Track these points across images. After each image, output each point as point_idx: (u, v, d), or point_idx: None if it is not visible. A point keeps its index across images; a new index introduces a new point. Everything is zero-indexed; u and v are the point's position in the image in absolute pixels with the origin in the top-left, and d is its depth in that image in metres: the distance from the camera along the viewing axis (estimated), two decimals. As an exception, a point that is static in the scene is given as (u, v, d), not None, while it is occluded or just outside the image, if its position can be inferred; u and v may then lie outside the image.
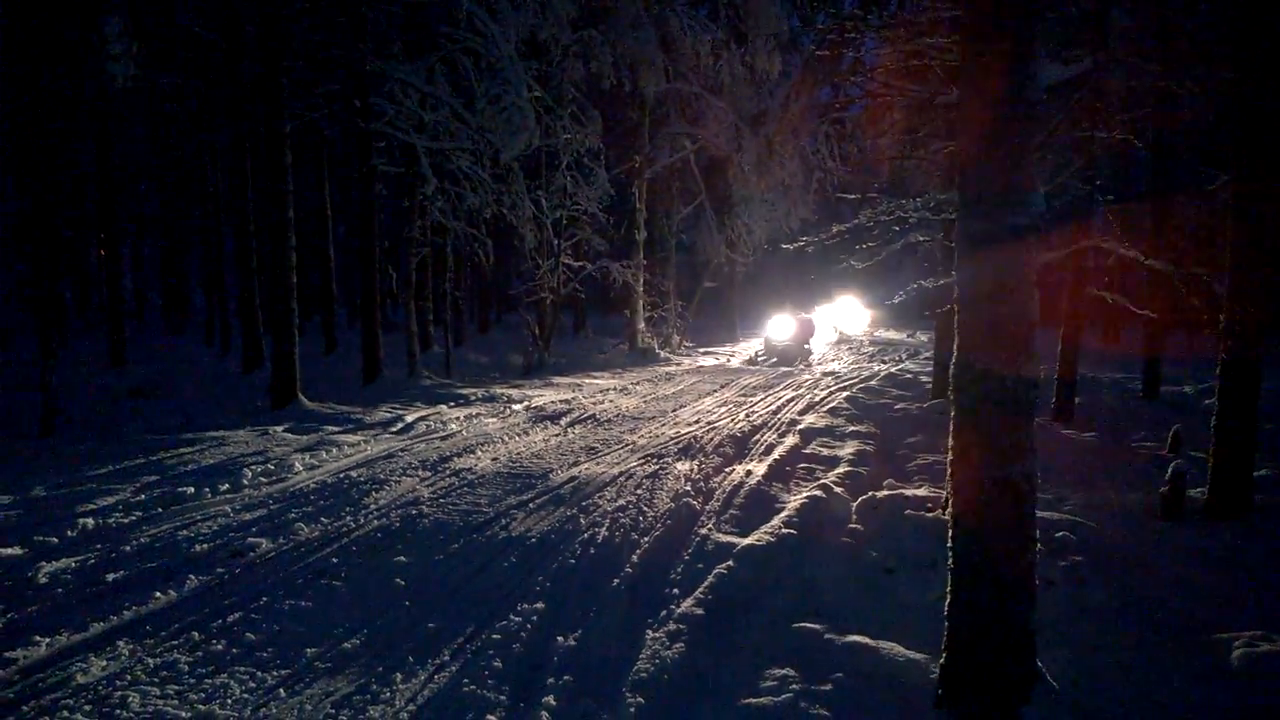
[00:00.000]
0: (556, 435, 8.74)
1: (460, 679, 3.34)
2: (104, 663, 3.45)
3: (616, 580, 4.43)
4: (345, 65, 12.28)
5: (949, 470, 3.24)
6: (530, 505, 5.95)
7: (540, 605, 4.10)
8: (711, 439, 8.52)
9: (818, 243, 7.81)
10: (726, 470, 7.15)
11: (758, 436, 8.77)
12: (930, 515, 5.56)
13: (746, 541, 5.02)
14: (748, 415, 10.30)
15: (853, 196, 9.20)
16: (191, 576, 4.44)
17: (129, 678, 3.32)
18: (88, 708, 3.10)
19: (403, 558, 4.79)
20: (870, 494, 6.29)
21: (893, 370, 16.30)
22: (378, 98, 11.87)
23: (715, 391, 12.59)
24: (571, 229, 16.85)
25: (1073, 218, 7.45)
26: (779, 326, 18.33)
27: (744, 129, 18.80)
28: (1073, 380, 9.72)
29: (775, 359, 17.87)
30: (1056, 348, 9.65)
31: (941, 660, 3.26)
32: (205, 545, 4.92)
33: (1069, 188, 7.50)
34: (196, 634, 3.74)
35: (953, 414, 3.18)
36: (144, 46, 7.55)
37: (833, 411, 10.57)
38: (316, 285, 22.94)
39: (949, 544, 3.19)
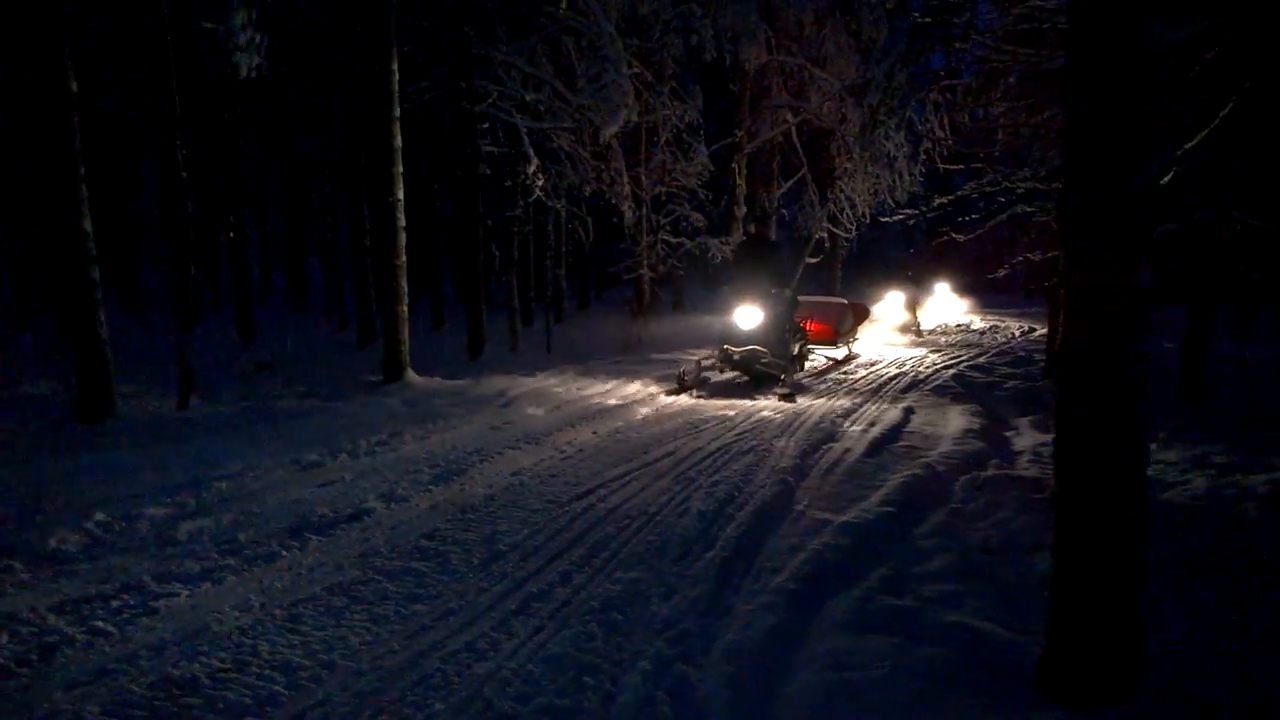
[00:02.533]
0: (654, 410, 8.84)
1: (562, 640, 3.48)
2: (236, 614, 3.75)
3: (711, 552, 4.49)
4: (452, 49, 12.61)
5: (1055, 449, 3.16)
6: (628, 478, 6.07)
7: (635, 574, 4.21)
8: (809, 416, 8.45)
9: (920, 215, 7.61)
10: (825, 447, 7.10)
11: (857, 414, 8.65)
12: (1037, 496, 5.39)
13: (843, 518, 5.00)
14: (848, 392, 10.16)
15: (959, 167, 8.91)
16: (313, 537, 4.75)
17: (259, 628, 3.60)
18: (223, 654, 3.38)
19: (505, 525, 4.99)
20: (974, 473, 6.14)
21: (1004, 347, 15.72)
22: (483, 80, 12.15)
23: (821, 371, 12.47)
24: (670, 205, 16.85)
25: (1198, 187, 6.99)
26: (748, 314, 10.38)
27: (848, 100, 18.31)
28: (1202, 358, 9.16)
29: (730, 369, 10.68)
30: (1181, 325, 9.11)
31: (1044, 643, 3.19)
32: (326, 509, 5.24)
33: (1192, 155, 7.04)
34: (318, 589, 4.01)
35: (1059, 390, 3.09)
36: (269, 36, 7.99)
37: (938, 389, 10.31)
38: (426, 264, 23.76)
39: (1055, 525, 3.11)
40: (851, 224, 20.90)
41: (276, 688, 3.12)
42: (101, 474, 6.05)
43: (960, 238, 7.56)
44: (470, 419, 8.37)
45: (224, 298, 26.35)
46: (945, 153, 15.87)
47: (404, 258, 10.87)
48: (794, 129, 19.45)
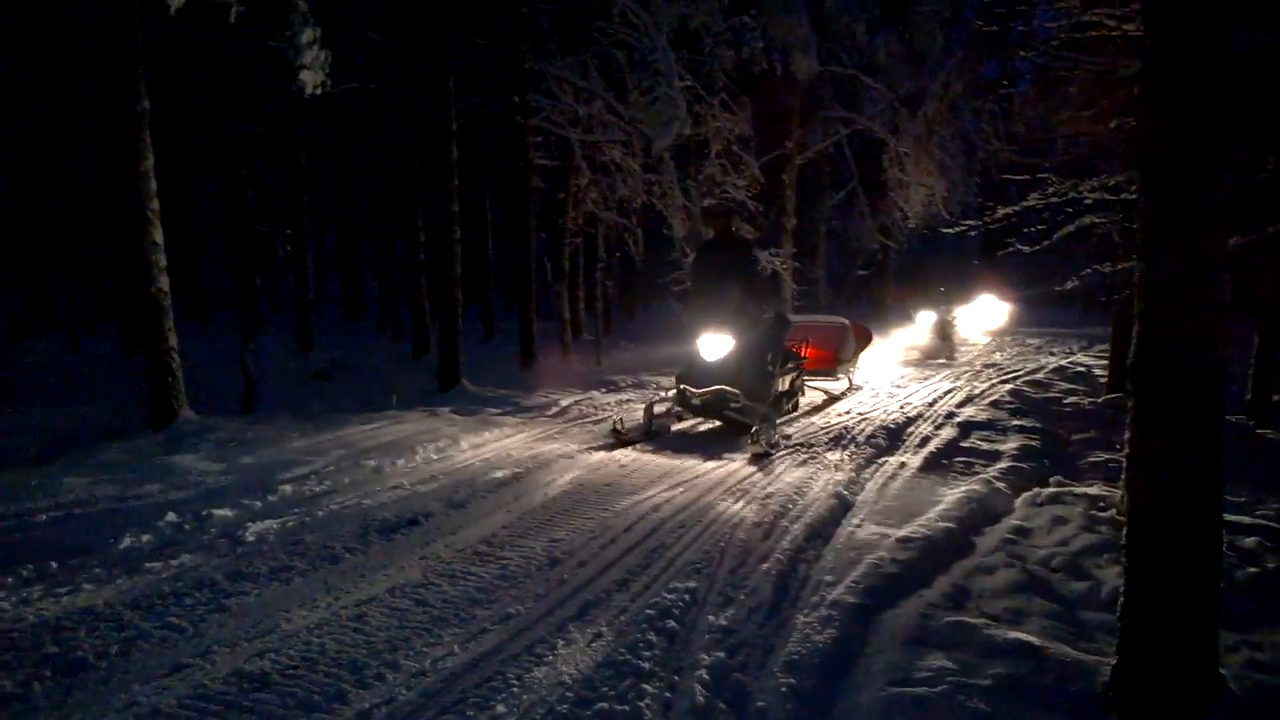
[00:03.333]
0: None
1: (617, 649, 3.49)
2: (304, 612, 3.84)
3: (766, 564, 4.47)
4: (506, 65, 12.83)
5: (1125, 465, 3.09)
6: (681, 488, 6.08)
7: (692, 584, 4.21)
8: (863, 430, 8.37)
9: (979, 226, 7.51)
10: (879, 461, 7.02)
11: (911, 428, 8.54)
12: (1103, 514, 5.27)
13: (901, 533, 4.94)
14: (901, 406, 10.04)
15: (1019, 178, 8.71)
16: (376, 539, 4.85)
17: (326, 628, 3.69)
18: (292, 651, 3.47)
19: (561, 532, 5.03)
20: (1035, 490, 6.03)
21: (1062, 363, 15.38)
22: (535, 94, 12.33)
23: (868, 382, 12.33)
24: (721, 214, 16.87)
25: (1272, 197, 6.78)
26: (714, 343, 7.94)
27: (901, 110, 18.17)
28: (1272, 375, 8.86)
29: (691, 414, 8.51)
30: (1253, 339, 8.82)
31: (1113, 664, 3.12)
32: (387, 514, 5.34)
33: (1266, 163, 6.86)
34: (381, 591, 4.09)
35: (1130, 405, 3.02)
36: (331, 55, 8.23)
37: (994, 404, 10.13)
38: (476, 275, 24.11)
39: (1123, 543, 3.04)
40: (903, 236, 20.68)
41: (344, 685, 3.19)
42: (171, 477, 6.24)
43: (1026, 249, 7.43)
44: (524, 428, 8.46)
45: (282, 308, 27.03)
46: (1002, 163, 15.64)
47: (459, 270, 11.05)
48: (845, 140, 19.35)
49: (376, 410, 9.41)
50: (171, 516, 5.15)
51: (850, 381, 11.55)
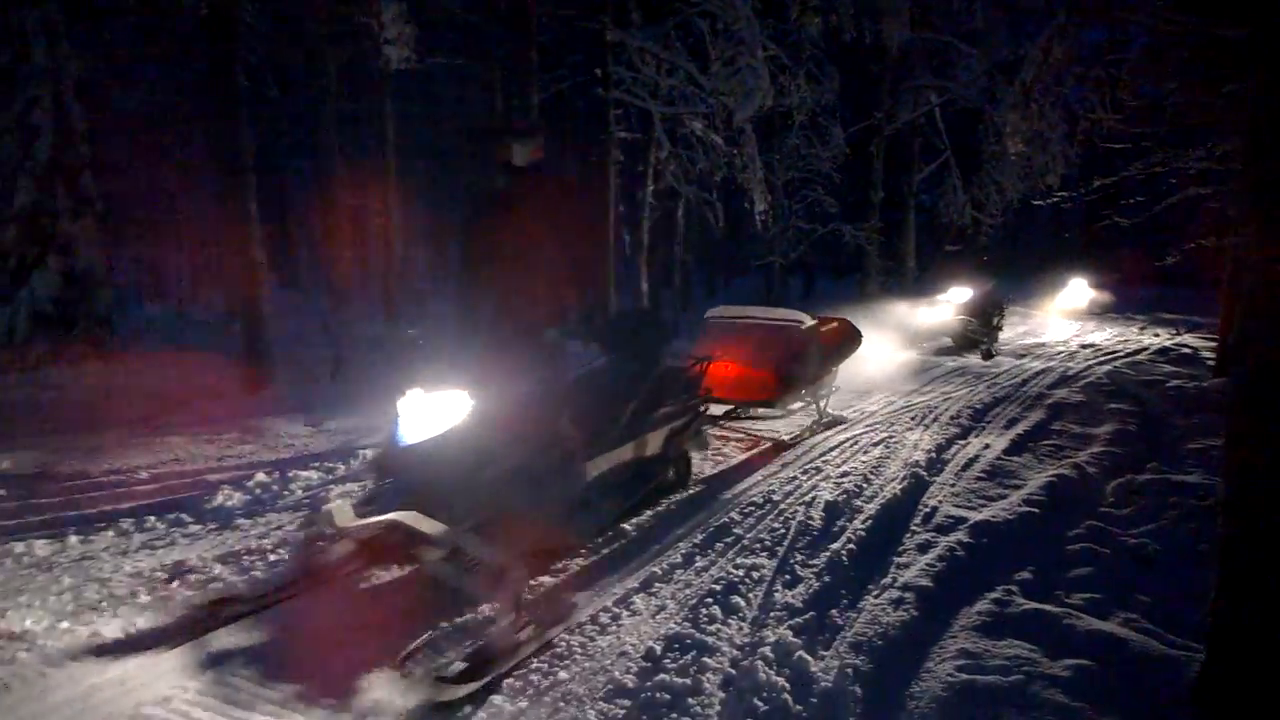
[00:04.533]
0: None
1: (683, 620, 3.50)
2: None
3: (837, 543, 4.40)
4: (588, 37, 12.80)
5: (1225, 452, 2.90)
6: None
7: (760, 560, 4.18)
8: (947, 410, 8.13)
9: (1078, 196, 7.14)
10: (961, 442, 6.81)
11: (998, 409, 8.25)
12: (1200, 503, 4.99)
13: (981, 516, 4.79)
14: (989, 386, 9.71)
15: (1122, 146, 8.14)
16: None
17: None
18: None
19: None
20: (1129, 476, 5.75)
21: (1166, 344, 14.60)
22: (617, 66, 12.27)
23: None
24: (803, 190, 16.53)
25: None
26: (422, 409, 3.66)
27: (998, 78, 17.40)
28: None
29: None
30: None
31: (1202, 660, 2.95)
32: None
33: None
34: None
35: (1230, 389, 2.83)
36: (418, 30, 8.37)
37: (1089, 387, 9.69)
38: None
39: (1221, 534, 2.87)
40: (998, 210, 19.90)
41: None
42: (262, 439, 6.53)
43: (1125, 222, 7.02)
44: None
45: (370, 279, 27.82)
46: (1105, 133, 14.85)
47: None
48: (937, 110, 18.66)
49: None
50: (261, 476, 5.39)
51: (821, 413, 7.52)
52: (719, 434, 7.00)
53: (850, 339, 8.08)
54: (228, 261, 13.60)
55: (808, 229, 16.93)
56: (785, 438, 6.92)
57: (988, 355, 12.27)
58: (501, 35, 14.32)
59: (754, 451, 6.58)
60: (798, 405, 7.54)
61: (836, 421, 7.56)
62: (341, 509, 3.44)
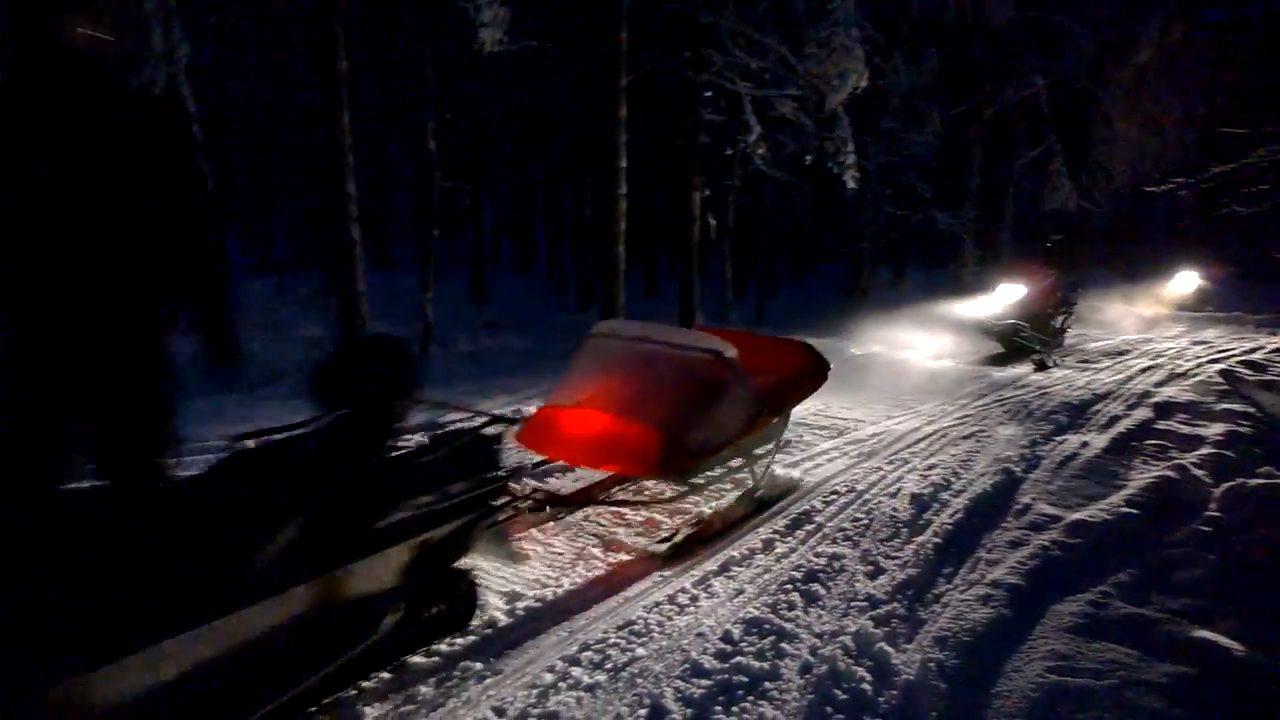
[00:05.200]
0: (864, 389, 8.55)
1: (761, 605, 3.48)
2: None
3: (922, 536, 4.28)
4: (678, 18, 12.69)
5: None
6: (834, 454, 5.92)
7: (843, 549, 4.11)
8: (1041, 406, 7.82)
9: (1193, 184, 6.73)
10: (1058, 439, 6.54)
11: (1099, 406, 7.89)
12: (1321, 511, 4.67)
13: (1076, 516, 4.59)
14: (1087, 383, 9.29)
15: (1239, 132, 7.51)
16: (528, 481, 5.05)
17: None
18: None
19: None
20: (1239, 481, 5.42)
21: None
22: (708, 48, 12.14)
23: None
24: (896, 175, 16.07)
25: None
26: None
27: (1108, 59, 16.54)
28: None
29: None
30: None
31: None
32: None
33: None
34: (534, 529, 4.25)
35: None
36: (510, 12, 8.48)
37: (1199, 385, 9.17)
38: (639, 232, 24.34)
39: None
40: (1106, 199, 18.98)
41: (496, 613, 3.35)
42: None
43: (1244, 210, 6.58)
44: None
45: (458, 261, 28.46)
46: (1225, 117, 14.00)
47: (624, 225, 11.16)
48: (1043, 92, 17.86)
49: (540, 359, 9.75)
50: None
51: (758, 482, 4.88)
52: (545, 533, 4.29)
53: (807, 374, 5.17)
54: (326, 240, 14.09)
55: (899, 215, 16.46)
56: (659, 545, 4.11)
57: (1042, 366, 10.10)
58: (591, 17, 14.35)
59: (597, 571, 3.87)
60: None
61: (785, 491, 4.98)
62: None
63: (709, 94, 12.31)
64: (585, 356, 4.80)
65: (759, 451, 5.01)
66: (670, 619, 3.37)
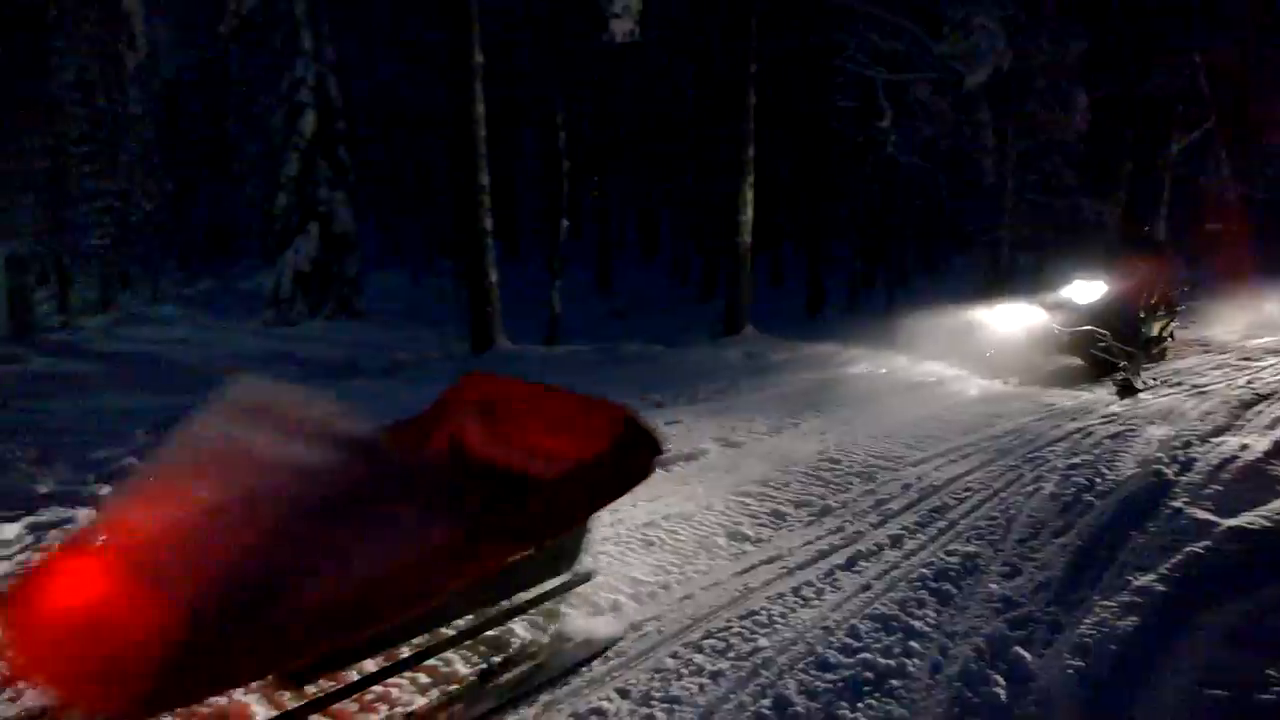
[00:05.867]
0: (997, 384, 8.19)
1: (889, 602, 3.44)
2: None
3: (1062, 539, 4.10)
4: (809, 3, 12.49)
5: None
6: (968, 451, 5.72)
7: (972, 548, 3.99)
8: (1194, 405, 7.29)
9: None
10: (1213, 440, 6.07)
11: (1260, 406, 7.28)
12: None
13: (1232, 522, 4.26)
14: (1249, 381, 8.58)
15: None
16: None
17: (611, 542, 3.98)
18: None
19: (834, 480, 4.98)
20: None
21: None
22: (840, 34, 11.89)
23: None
24: (1039, 161, 15.24)
25: None
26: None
27: (1272, 34, 15.13)
28: None
29: None
30: None
31: None
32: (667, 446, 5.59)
33: None
34: (659, 517, 4.34)
35: None
36: (641, 2, 8.58)
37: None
38: (765, 220, 24.07)
39: None
40: (1268, 184, 17.43)
41: (620, 596, 3.44)
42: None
43: None
44: (805, 376, 8.40)
45: (585, 250, 28.96)
46: None
47: (750, 215, 11.10)
48: (1201, 70, 16.51)
49: (663, 349, 9.83)
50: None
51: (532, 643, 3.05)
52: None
53: (615, 463, 2.95)
54: (459, 232, 14.70)
55: (1041, 202, 15.61)
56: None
57: (1128, 390, 7.60)
58: (721, 4, 14.28)
59: None
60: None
61: (586, 654, 3.01)
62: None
63: (841, 79, 12.05)
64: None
65: (531, 595, 2.93)
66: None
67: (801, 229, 21.78)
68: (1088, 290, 8.46)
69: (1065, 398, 7.55)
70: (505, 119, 23.88)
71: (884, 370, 8.72)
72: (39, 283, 14.37)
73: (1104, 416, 6.78)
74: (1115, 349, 8.00)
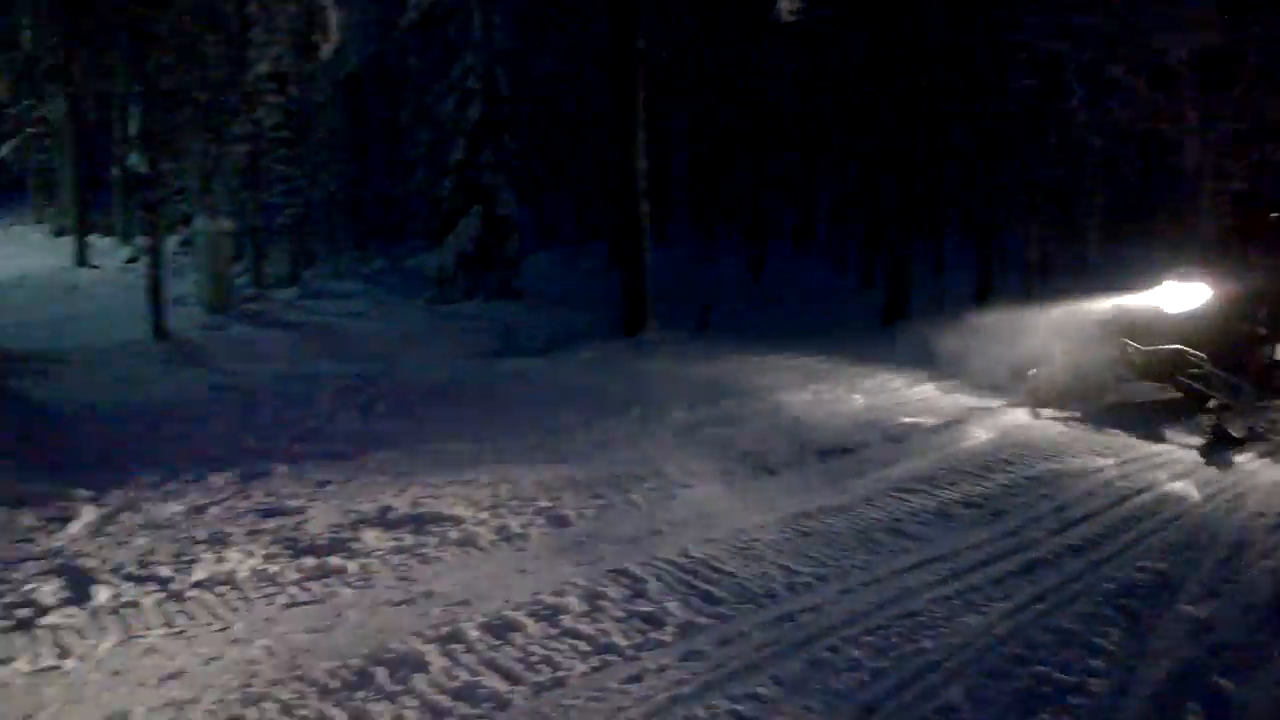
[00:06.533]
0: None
1: (1069, 615, 3.20)
2: (741, 511, 4.14)
3: (1269, 560, 3.69)
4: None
5: None
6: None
7: (1163, 565, 3.65)
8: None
9: None
10: None
11: None
12: None
13: None
14: None
15: None
16: (813, 459, 5.11)
17: (761, 531, 3.92)
18: (727, 545, 3.74)
19: (1006, 482, 4.71)
20: None
21: None
22: (1026, 14, 11.13)
23: None
24: (1249, 144, 13.76)
25: None
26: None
27: None
28: None
29: None
30: None
31: None
32: (827, 435, 5.50)
33: None
34: (813, 508, 4.22)
35: None
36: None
37: None
38: (928, 207, 23.01)
39: None
40: None
41: (774, 584, 3.36)
42: (638, 379, 7.11)
43: None
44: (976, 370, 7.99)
45: (735, 235, 28.66)
46: None
47: (914, 201, 10.64)
48: None
49: (821, 338, 9.59)
50: (637, 411, 5.87)
51: None
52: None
53: None
54: (613, 216, 14.89)
55: (1249, 192, 14.11)
56: None
57: (1223, 439, 5.42)
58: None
59: None
60: None
61: None
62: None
63: (1024, 55, 11.30)
64: None
65: None
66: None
67: (970, 216, 20.70)
68: (1182, 294, 6.12)
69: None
70: (657, 104, 23.95)
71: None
72: (235, 258, 15.70)
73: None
74: (1214, 378, 5.62)
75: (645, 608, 3.11)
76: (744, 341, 9.27)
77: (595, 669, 2.70)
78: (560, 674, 2.66)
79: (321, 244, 18.63)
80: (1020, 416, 6.18)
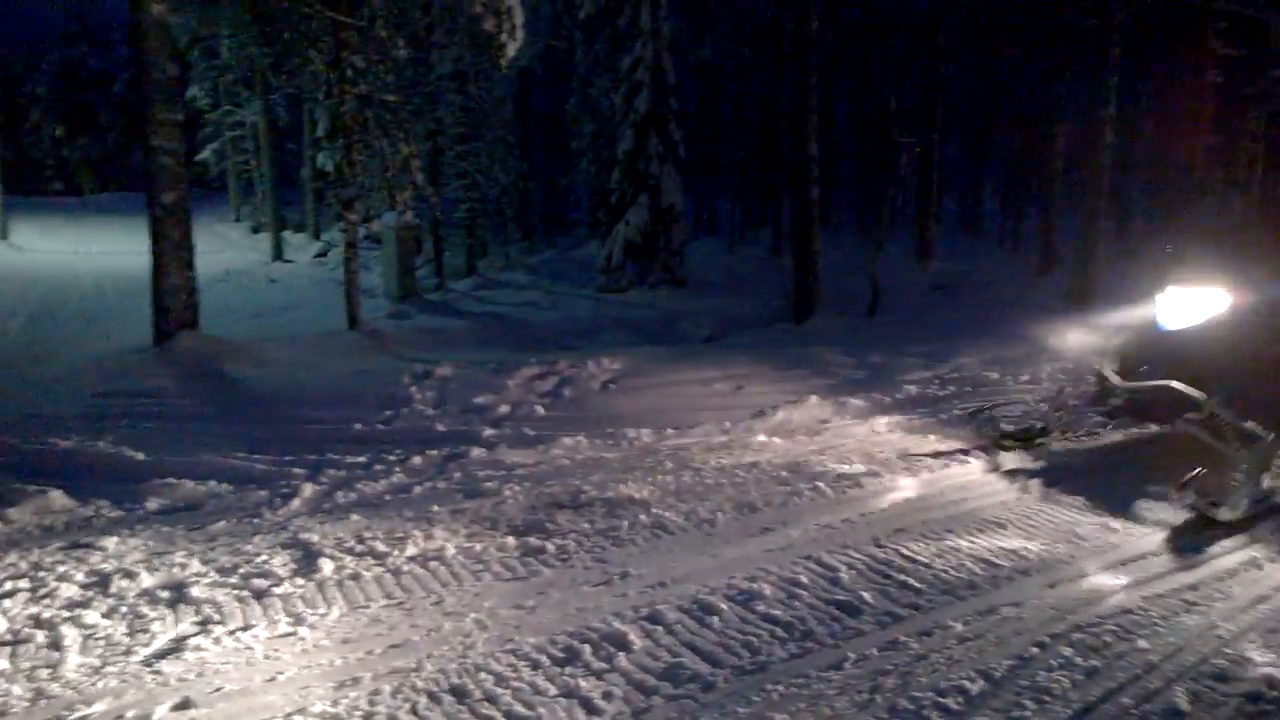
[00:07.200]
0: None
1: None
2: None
3: None
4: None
5: None
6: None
7: None
8: None
9: None
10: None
11: None
12: None
13: None
14: None
15: None
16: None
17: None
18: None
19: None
20: None
21: None
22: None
23: None
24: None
25: None
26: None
27: None
28: None
29: None
30: None
31: None
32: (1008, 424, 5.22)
33: None
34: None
35: None
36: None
37: None
38: (1116, 187, 21.33)
39: None
40: None
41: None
42: (811, 365, 7.05)
43: None
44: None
45: (902, 220, 27.65)
46: None
47: (1107, 179, 9.91)
48: None
49: (990, 324, 9.15)
50: (814, 399, 5.83)
51: None
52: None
53: None
54: (780, 201, 14.76)
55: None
56: None
57: (1204, 522, 3.70)
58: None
59: None
60: None
61: None
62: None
63: (1223, 24, 10.27)
64: None
65: None
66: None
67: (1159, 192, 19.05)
68: (1190, 305, 4.35)
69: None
70: (822, 88, 23.45)
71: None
72: (416, 251, 16.73)
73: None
74: (1226, 424, 3.97)
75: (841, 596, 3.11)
76: (915, 330, 8.96)
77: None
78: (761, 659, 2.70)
79: (492, 236, 19.54)
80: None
